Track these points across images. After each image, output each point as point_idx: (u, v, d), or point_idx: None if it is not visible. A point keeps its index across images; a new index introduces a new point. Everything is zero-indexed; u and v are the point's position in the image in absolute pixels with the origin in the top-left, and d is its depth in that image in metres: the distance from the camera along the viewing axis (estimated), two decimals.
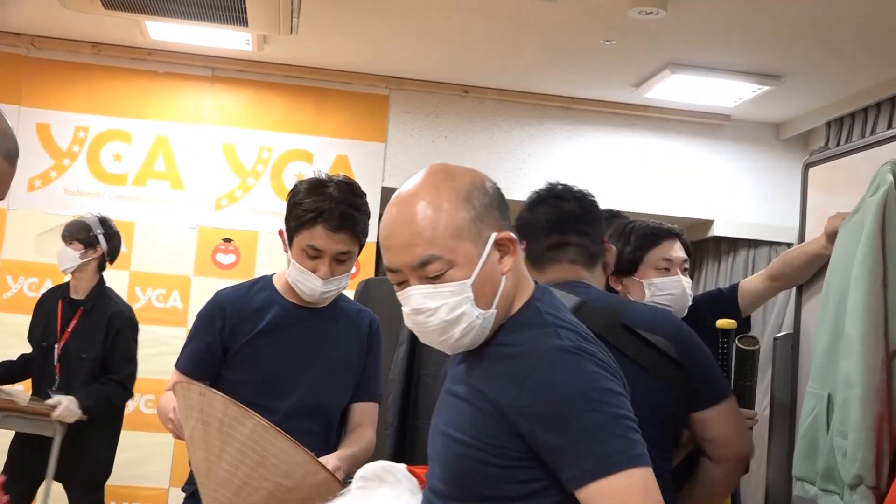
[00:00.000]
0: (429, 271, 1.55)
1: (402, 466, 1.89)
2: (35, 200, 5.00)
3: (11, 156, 2.00)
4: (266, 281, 2.71)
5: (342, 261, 2.55)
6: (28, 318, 4.80)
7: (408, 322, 1.64)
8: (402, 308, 1.62)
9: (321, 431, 2.61)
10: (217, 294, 2.68)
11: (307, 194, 2.52)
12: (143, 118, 5.15)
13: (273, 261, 4.99)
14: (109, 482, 4.15)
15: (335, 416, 2.68)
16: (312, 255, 2.51)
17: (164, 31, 4.75)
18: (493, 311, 1.59)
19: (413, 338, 3.89)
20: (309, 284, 2.53)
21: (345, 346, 2.72)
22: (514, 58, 4.93)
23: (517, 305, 1.64)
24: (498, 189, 1.67)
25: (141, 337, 4.27)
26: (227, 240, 5.12)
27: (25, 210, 4.97)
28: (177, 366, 2.63)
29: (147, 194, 5.10)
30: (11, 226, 4.95)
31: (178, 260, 5.05)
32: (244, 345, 2.59)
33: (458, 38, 4.69)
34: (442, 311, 1.56)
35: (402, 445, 3.79)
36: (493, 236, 1.59)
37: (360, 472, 1.85)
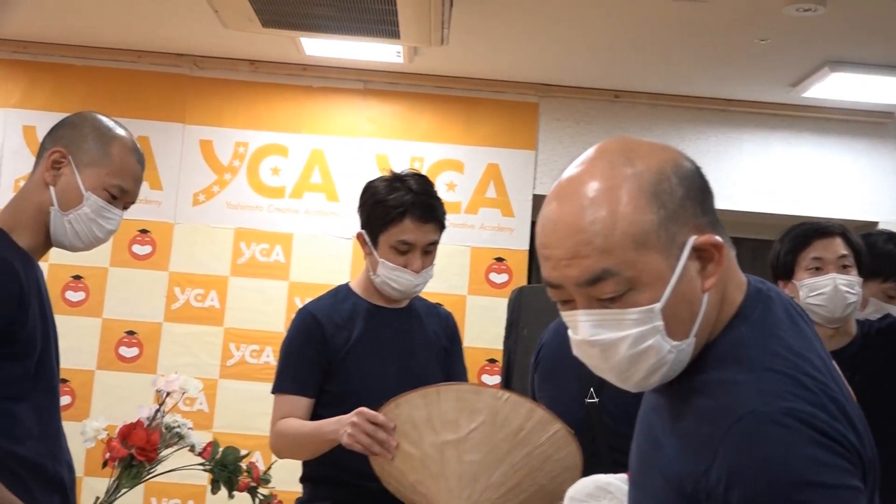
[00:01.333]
0: (602, 291, 1.20)
1: (619, 479, 1.72)
2: (199, 215, 5.19)
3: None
4: (346, 289, 2.75)
5: (429, 252, 2.60)
6: (195, 328, 5.02)
7: (576, 351, 1.29)
8: (570, 334, 1.29)
9: None
10: (307, 307, 2.70)
11: (387, 192, 2.57)
12: (299, 132, 5.29)
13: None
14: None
15: None
16: (403, 250, 2.54)
17: (319, 47, 4.87)
18: (691, 340, 1.23)
19: None
20: (402, 280, 2.57)
21: (434, 340, 2.77)
22: (665, 60, 4.86)
23: (719, 327, 1.26)
24: (697, 171, 1.29)
25: None
26: None
27: (191, 224, 5.17)
28: (280, 390, 2.61)
29: (304, 206, 5.24)
30: (178, 239, 5.15)
31: (335, 269, 5.15)
32: (345, 355, 2.62)
33: (608, 43, 4.66)
34: (622, 346, 1.21)
35: None
36: (691, 241, 1.21)
37: (570, 493, 1.76)
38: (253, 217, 5.19)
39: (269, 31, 4.30)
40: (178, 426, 2.28)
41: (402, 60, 4.98)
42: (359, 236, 2.68)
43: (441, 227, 2.63)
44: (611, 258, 1.19)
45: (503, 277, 5.21)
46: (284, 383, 2.63)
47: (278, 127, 5.29)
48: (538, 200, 5.30)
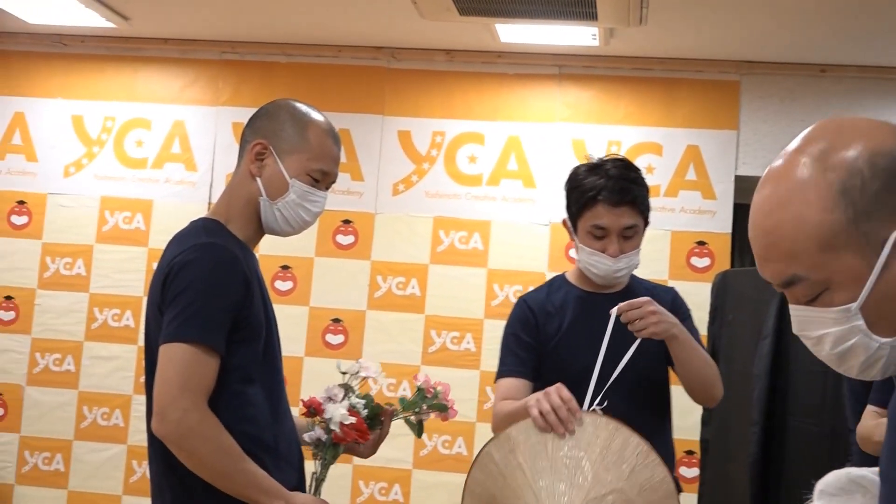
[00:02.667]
0: (798, 294, 1.17)
1: (872, 473, 1.58)
2: (399, 204, 5.29)
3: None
4: (560, 279, 2.76)
5: (628, 236, 2.57)
6: (397, 315, 5.12)
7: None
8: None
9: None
10: (523, 297, 2.77)
11: (584, 177, 2.61)
12: (495, 120, 5.30)
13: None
14: None
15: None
16: (599, 235, 2.53)
17: (514, 33, 4.87)
18: None
19: (778, 331, 3.76)
20: (600, 265, 2.55)
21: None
22: (875, 30, 4.60)
23: None
24: None
25: (499, 333, 4.44)
26: None
27: (391, 213, 5.28)
28: (500, 374, 2.65)
29: (501, 193, 5.25)
30: (379, 229, 5.26)
31: (533, 256, 5.15)
32: (557, 342, 2.63)
33: (813, 14, 4.44)
34: (826, 343, 1.17)
35: (768, 444, 3.66)
36: (893, 238, 1.12)
37: (821, 486, 1.68)
38: (451, 205, 5.25)
39: (466, 18, 4.33)
40: (360, 406, 2.29)
41: (598, 43, 4.91)
42: (564, 222, 2.71)
43: (639, 211, 2.59)
44: (798, 263, 1.15)
45: (705, 262, 5.07)
46: (503, 367, 2.68)
47: (474, 115, 5.32)
48: (741, 182, 5.14)
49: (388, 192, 5.30)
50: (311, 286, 5.24)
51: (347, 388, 2.29)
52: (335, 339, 5.18)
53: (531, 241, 5.18)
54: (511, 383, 2.62)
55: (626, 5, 3.97)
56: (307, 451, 2.28)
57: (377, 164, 5.32)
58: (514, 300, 5.06)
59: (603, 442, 2.14)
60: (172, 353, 1.98)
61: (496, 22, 4.58)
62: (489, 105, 5.32)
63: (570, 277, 2.76)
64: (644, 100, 5.27)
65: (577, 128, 5.26)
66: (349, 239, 5.27)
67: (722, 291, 4.39)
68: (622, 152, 5.17)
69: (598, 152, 5.15)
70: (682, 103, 5.23)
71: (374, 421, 2.30)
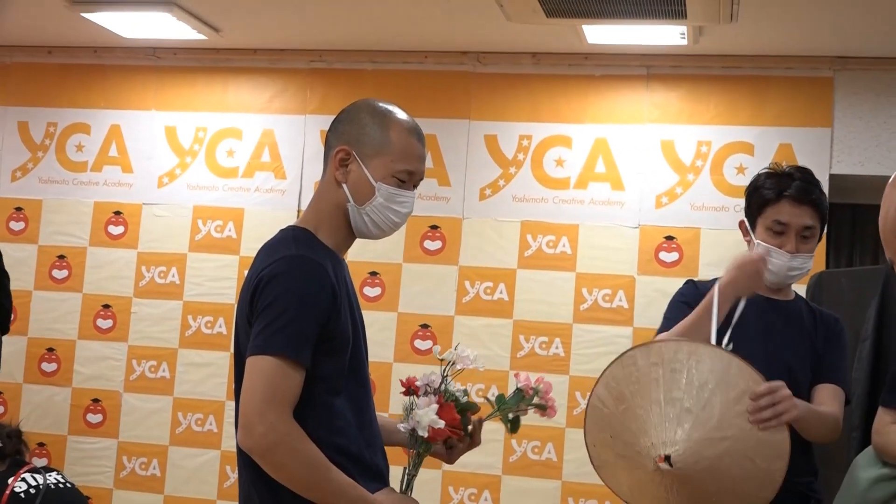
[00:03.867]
0: None
1: None
2: (486, 209, 5.28)
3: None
4: None
5: (806, 237, 2.64)
6: (485, 320, 5.13)
7: None
8: None
9: None
10: (692, 280, 2.87)
11: (768, 178, 2.69)
12: (582, 122, 5.26)
13: (716, 257, 4.89)
14: None
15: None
16: (778, 231, 2.60)
17: (601, 34, 4.83)
18: None
19: (878, 333, 3.65)
20: (777, 261, 2.61)
21: (805, 337, 2.73)
22: None
23: None
24: None
25: (588, 337, 4.48)
26: (669, 238, 5.09)
27: (478, 218, 5.27)
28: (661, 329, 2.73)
29: (589, 196, 5.21)
30: (467, 234, 5.26)
31: (621, 259, 5.10)
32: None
33: None
34: None
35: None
36: None
37: None
38: (539, 209, 5.22)
39: (552, 20, 4.31)
40: (458, 394, 2.25)
41: (686, 42, 4.84)
42: (741, 225, 2.79)
43: (819, 214, 2.67)
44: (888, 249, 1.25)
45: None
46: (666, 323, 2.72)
47: (561, 118, 5.29)
48: (835, 180, 5.02)
49: (475, 196, 5.30)
50: (399, 292, 5.26)
51: (444, 378, 2.24)
52: (424, 345, 5.19)
53: (620, 244, 5.12)
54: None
55: (717, 2, 3.90)
56: (391, 451, 2.27)
57: (464, 169, 5.32)
58: (603, 304, 5.05)
59: (743, 386, 2.22)
60: (259, 366, 1.99)
61: (583, 23, 4.55)
62: (576, 107, 5.28)
63: None
64: (734, 98, 5.17)
65: (665, 129, 5.19)
66: (437, 244, 5.28)
67: (817, 292, 4.27)
68: (712, 153, 5.10)
69: (686, 152, 5.14)
70: (773, 101, 5.13)
71: (463, 417, 2.28)
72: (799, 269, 2.65)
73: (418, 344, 5.20)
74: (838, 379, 2.78)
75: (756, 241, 2.66)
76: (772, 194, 2.64)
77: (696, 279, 2.91)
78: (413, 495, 2.19)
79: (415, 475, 2.20)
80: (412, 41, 5.29)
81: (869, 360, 3.58)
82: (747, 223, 2.74)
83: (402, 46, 5.38)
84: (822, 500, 2.79)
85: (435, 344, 5.17)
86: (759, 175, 2.78)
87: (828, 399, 2.73)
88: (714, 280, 2.71)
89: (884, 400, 2.55)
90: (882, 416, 2.51)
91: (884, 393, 2.64)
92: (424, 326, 5.21)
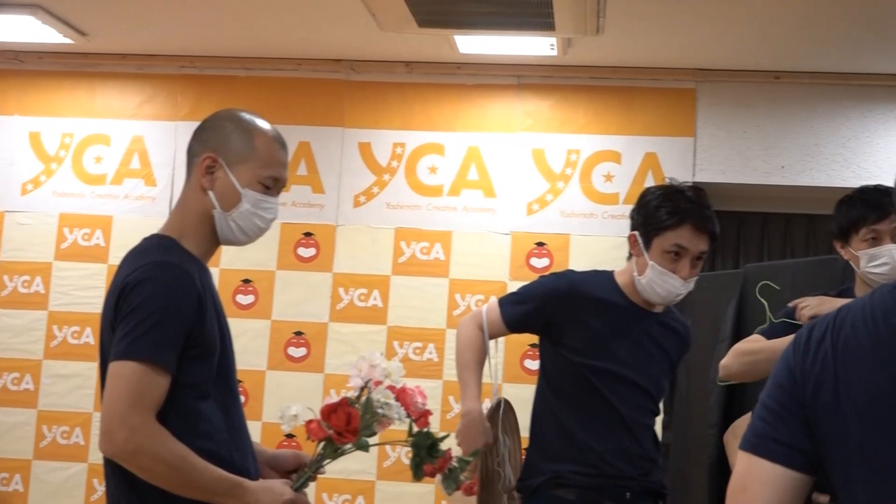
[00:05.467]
0: None
1: None
2: (360, 216, 5.29)
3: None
4: (608, 276, 2.80)
5: (699, 260, 2.71)
6: (359, 327, 5.14)
7: None
8: None
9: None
10: (570, 273, 2.92)
11: (665, 199, 2.70)
12: (454, 130, 5.33)
13: (586, 263, 4.97)
14: None
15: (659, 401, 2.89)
16: (675, 255, 2.55)
17: (473, 44, 4.90)
18: None
19: (735, 334, 3.80)
20: (667, 286, 2.64)
21: (667, 351, 2.79)
22: (827, 37, 4.68)
23: None
24: None
25: None
26: (540, 244, 5.20)
27: (352, 225, 5.28)
28: (504, 316, 2.82)
29: (462, 204, 5.27)
30: (341, 241, 5.27)
31: (494, 265, 5.18)
32: (589, 332, 2.74)
33: (766, 22, 4.51)
34: None
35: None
36: None
37: None
38: (412, 216, 5.26)
39: (424, 30, 4.35)
40: (382, 406, 2.19)
41: (556, 53, 4.95)
42: (631, 238, 2.77)
43: (714, 240, 2.73)
44: None
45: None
46: (507, 313, 2.82)
47: (434, 126, 5.34)
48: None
49: (349, 203, 5.31)
50: (272, 299, 5.23)
51: (366, 386, 2.20)
52: (297, 353, 5.17)
53: (492, 250, 5.20)
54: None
55: (583, 15, 4.01)
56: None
57: (338, 177, 5.32)
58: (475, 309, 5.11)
59: None
60: (122, 372, 1.98)
61: (455, 33, 4.61)
62: (449, 116, 5.35)
63: (620, 282, 2.82)
64: (602, 108, 5.31)
65: (536, 137, 5.30)
66: (310, 251, 5.27)
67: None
68: (581, 161, 5.23)
69: (556, 161, 5.25)
70: (639, 111, 5.28)
71: (432, 451, 2.28)
72: (685, 291, 2.71)
73: (292, 351, 5.18)
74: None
75: (650, 263, 2.66)
76: (674, 220, 2.64)
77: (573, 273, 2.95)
78: None
79: (311, 477, 2.20)
80: (285, 48, 5.28)
81: None
82: (640, 240, 2.72)
83: (276, 53, 5.35)
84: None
85: (309, 351, 5.16)
86: (652, 192, 2.77)
87: None
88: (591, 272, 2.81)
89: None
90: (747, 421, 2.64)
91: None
92: (298, 334, 5.19)
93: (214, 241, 2.23)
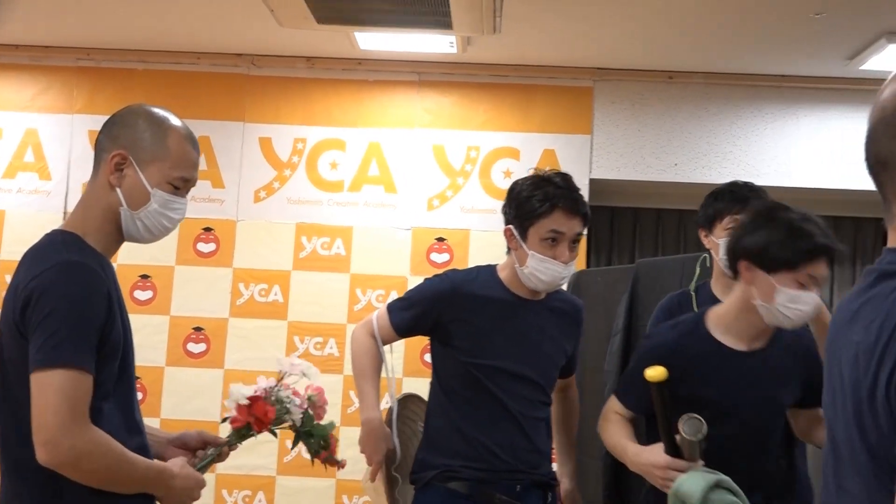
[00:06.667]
0: None
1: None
2: (261, 211, 5.28)
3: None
4: (490, 271, 2.85)
5: (575, 243, 2.76)
6: (259, 322, 5.13)
7: None
8: None
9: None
10: (452, 273, 2.94)
11: (534, 188, 2.73)
12: (356, 126, 5.35)
13: (485, 258, 5.04)
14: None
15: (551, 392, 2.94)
16: (553, 241, 2.61)
17: (373, 41, 4.93)
18: None
19: (627, 328, 3.90)
20: (550, 272, 2.70)
21: (557, 335, 2.84)
22: (718, 39, 4.83)
23: None
24: None
25: None
26: (441, 239, 5.26)
27: (253, 220, 5.27)
28: (392, 323, 2.88)
29: (363, 199, 5.30)
30: (241, 236, 5.25)
31: (394, 260, 5.22)
32: (477, 329, 2.79)
33: (661, 24, 4.64)
34: None
35: None
36: None
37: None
38: (313, 212, 5.28)
39: (323, 27, 4.36)
40: (290, 401, 2.41)
41: (456, 51, 5.01)
42: (506, 232, 2.79)
43: (587, 220, 2.77)
44: None
45: None
46: (396, 318, 2.88)
47: (335, 122, 5.36)
48: (595, 184, 5.31)
49: (249, 199, 5.29)
50: (171, 295, 5.19)
51: (278, 385, 2.43)
52: (197, 348, 5.14)
53: (393, 245, 5.25)
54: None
55: (480, 15, 4.07)
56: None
57: (238, 172, 5.30)
58: (377, 305, 5.15)
59: None
60: (51, 380, 1.94)
61: (354, 30, 4.63)
62: (350, 111, 5.37)
63: (501, 274, 2.86)
64: (502, 106, 5.39)
65: (437, 133, 5.35)
66: (210, 247, 5.24)
67: (577, 291, 4.52)
68: (481, 157, 5.30)
69: (456, 157, 5.31)
70: (538, 109, 5.37)
71: (317, 441, 2.41)
72: (568, 274, 2.76)
73: (191, 347, 5.15)
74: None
75: (529, 252, 2.70)
76: (545, 206, 2.67)
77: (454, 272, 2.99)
78: None
79: (212, 458, 2.29)
80: (184, 42, 5.23)
81: (619, 353, 3.82)
82: (515, 232, 2.75)
83: (174, 47, 5.30)
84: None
85: (208, 347, 5.14)
86: (521, 184, 2.79)
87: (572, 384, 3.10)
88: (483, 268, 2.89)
89: (617, 391, 2.76)
90: (611, 404, 2.73)
91: (620, 384, 2.86)
92: (198, 329, 5.16)
93: (118, 237, 2.19)
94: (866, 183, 4.71)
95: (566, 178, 2.78)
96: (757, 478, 2.55)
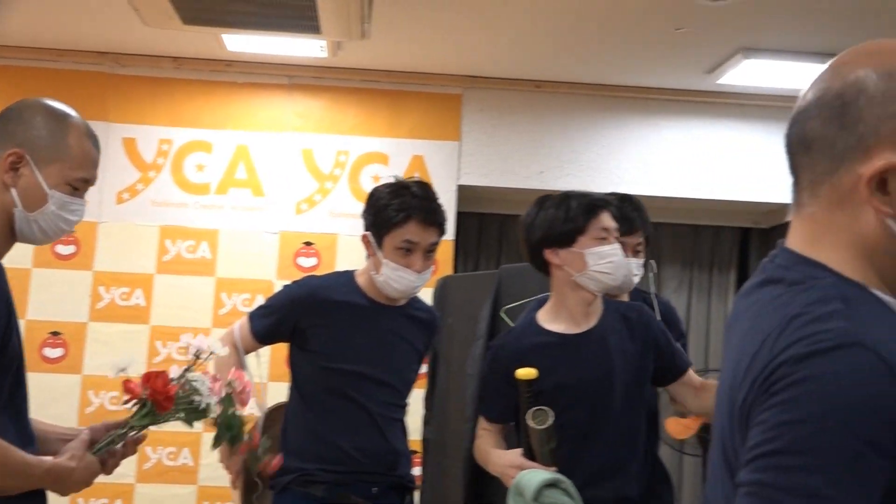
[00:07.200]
0: None
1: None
2: (124, 213, 5.17)
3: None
4: (349, 276, 2.87)
5: (431, 252, 2.79)
6: (120, 327, 5.01)
7: None
8: None
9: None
10: (310, 279, 2.96)
11: (392, 196, 2.77)
12: (223, 128, 5.29)
13: (353, 262, 5.04)
14: None
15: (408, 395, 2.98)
16: (407, 251, 2.65)
17: (241, 43, 4.88)
18: None
19: (490, 332, 3.96)
20: (404, 281, 2.73)
21: (412, 341, 2.88)
22: (584, 51, 4.94)
23: None
24: None
25: None
26: (308, 243, 5.23)
27: (115, 223, 5.15)
28: (252, 331, 2.87)
29: (230, 202, 5.24)
30: (102, 238, 5.12)
31: (261, 264, 5.17)
32: (322, 333, 2.81)
33: (529, 34, 4.72)
34: None
35: None
36: None
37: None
38: (178, 214, 5.19)
39: (189, 28, 4.29)
40: (200, 382, 2.22)
41: (326, 55, 5.00)
42: (363, 238, 2.81)
43: (443, 231, 2.80)
44: None
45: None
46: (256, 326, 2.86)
47: (202, 123, 5.28)
48: (463, 190, 5.37)
49: (111, 200, 5.17)
50: (27, 298, 5.02)
51: (189, 368, 2.24)
52: (54, 353, 5.00)
53: (260, 249, 5.20)
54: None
55: (347, 20, 4.06)
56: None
57: (101, 173, 5.12)
58: (242, 309, 5.10)
59: None
60: None
61: (221, 32, 4.57)
62: (218, 113, 5.30)
63: (359, 280, 2.88)
64: (371, 111, 5.40)
65: (306, 137, 5.33)
66: (70, 249, 5.10)
67: (442, 296, 4.56)
68: (350, 162, 5.30)
69: (325, 161, 5.30)
70: (407, 115, 5.40)
71: (231, 432, 2.29)
72: (422, 283, 2.80)
73: (48, 352, 5.00)
74: None
75: (383, 260, 2.73)
76: (400, 217, 2.71)
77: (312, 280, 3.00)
78: None
79: (109, 441, 2.14)
80: (46, 38, 5.08)
81: (482, 357, 3.86)
82: (372, 239, 2.78)
83: (35, 43, 5.15)
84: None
85: (66, 352, 5.00)
86: (380, 192, 2.81)
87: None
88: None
89: (479, 409, 2.81)
90: (479, 423, 2.78)
91: (480, 402, 2.90)
92: (55, 334, 5.01)
93: (11, 238, 2.08)
94: (726, 193, 4.97)
95: (424, 188, 2.81)
96: (617, 462, 2.60)
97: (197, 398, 2.21)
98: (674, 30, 4.52)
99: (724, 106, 5.55)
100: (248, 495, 2.79)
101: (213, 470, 4.84)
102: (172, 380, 2.18)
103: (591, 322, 2.65)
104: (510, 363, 2.51)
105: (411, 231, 2.71)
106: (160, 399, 2.13)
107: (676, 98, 5.53)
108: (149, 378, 2.16)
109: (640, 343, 2.66)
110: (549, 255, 2.62)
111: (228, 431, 2.34)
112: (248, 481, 2.79)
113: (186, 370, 2.23)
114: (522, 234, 2.71)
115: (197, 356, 2.28)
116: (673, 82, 5.39)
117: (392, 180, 2.86)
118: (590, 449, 2.51)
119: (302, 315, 2.80)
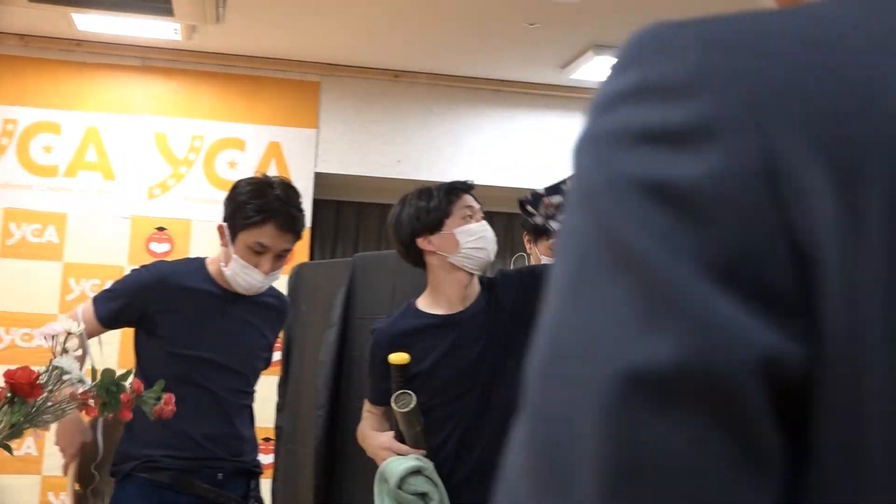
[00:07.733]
0: None
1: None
2: None
3: None
4: (199, 263, 2.84)
5: (282, 257, 2.75)
6: None
7: None
8: None
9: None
10: (160, 264, 2.93)
11: (253, 195, 2.72)
12: (72, 109, 5.14)
13: (206, 249, 4.99)
14: None
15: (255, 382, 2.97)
16: (258, 252, 2.64)
17: (92, 23, 4.75)
18: None
19: (344, 319, 3.98)
20: (249, 280, 2.72)
21: (260, 327, 2.87)
22: (442, 42, 5.00)
23: None
24: None
25: None
26: (161, 228, 5.15)
27: None
28: (97, 314, 2.78)
29: (78, 185, 5.11)
30: None
31: (111, 250, 5.06)
32: (170, 319, 2.77)
33: (387, 24, 4.76)
34: None
35: (333, 426, 3.89)
36: None
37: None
38: (24, 197, 5.03)
39: (36, 5, 4.18)
40: (63, 362, 2.12)
41: (181, 38, 4.93)
42: (219, 228, 2.77)
43: (298, 237, 2.76)
44: None
45: None
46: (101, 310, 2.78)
47: (50, 104, 5.13)
48: (320, 178, 5.37)
49: None
50: None
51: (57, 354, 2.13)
52: None
53: (110, 234, 5.09)
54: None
55: (202, 4, 4.03)
56: None
57: None
58: (91, 295, 4.96)
59: None
60: None
61: (70, 11, 4.45)
62: (66, 94, 5.15)
63: (210, 268, 2.83)
64: (228, 96, 5.34)
65: (160, 120, 5.24)
66: None
67: (297, 283, 4.56)
68: (205, 147, 5.23)
69: (179, 145, 5.22)
70: (264, 101, 5.37)
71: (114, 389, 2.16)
72: (267, 284, 2.79)
73: None
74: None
75: (233, 256, 2.70)
76: (258, 218, 2.64)
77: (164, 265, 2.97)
78: None
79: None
80: None
81: (335, 345, 3.89)
82: (227, 231, 2.73)
83: None
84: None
85: None
86: (243, 186, 2.75)
87: None
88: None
89: (367, 392, 2.81)
90: (365, 404, 2.79)
91: (368, 385, 2.90)
92: None
93: None
94: None
95: (288, 191, 2.74)
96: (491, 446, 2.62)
97: (66, 376, 2.12)
98: (527, 25, 4.62)
99: (578, 100, 5.69)
100: (83, 487, 2.74)
101: (59, 460, 4.73)
102: (41, 374, 2.10)
103: (467, 302, 2.68)
104: (387, 347, 2.54)
105: (266, 234, 2.66)
106: (25, 386, 2.04)
107: (531, 91, 5.65)
108: (12, 375, 2.06)
109: (507, 319, 2.66)
110: (422, 242, 2.62)
111: (114, 390, 2.26)
112: (85, 473, 2.74)
113: (52, 361, 2.15)
114: (392, 232, 2.71)
115: (56, 340, 2.19)
116: (529, 76, 5.51)
117: (259, 176, 2.82)
118: (479, 430, 2.53)
119: (151, 301, 2.76)
